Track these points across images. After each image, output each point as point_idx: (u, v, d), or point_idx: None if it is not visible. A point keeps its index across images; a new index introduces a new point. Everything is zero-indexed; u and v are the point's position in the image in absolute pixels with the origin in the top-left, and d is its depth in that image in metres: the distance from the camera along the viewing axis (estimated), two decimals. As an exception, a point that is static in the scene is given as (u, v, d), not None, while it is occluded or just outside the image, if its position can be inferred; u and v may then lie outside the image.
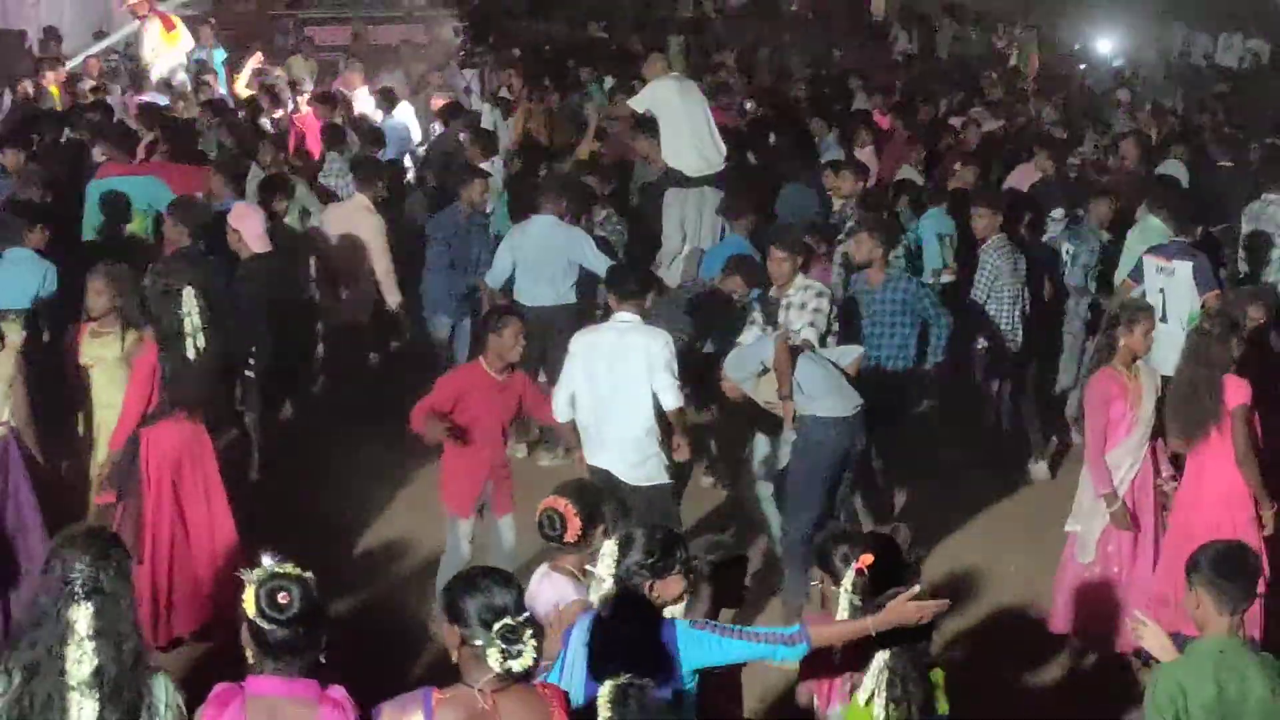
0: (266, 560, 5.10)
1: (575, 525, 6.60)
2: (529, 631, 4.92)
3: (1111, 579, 9.19)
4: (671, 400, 9.36)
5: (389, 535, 10.89)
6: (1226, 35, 31.27)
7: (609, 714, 4.95)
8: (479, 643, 4.92)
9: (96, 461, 9.38)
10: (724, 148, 14.13)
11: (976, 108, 20.31)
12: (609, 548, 6.12)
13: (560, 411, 9.56)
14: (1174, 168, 15.19)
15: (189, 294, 8.82)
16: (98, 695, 5.11)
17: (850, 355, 10.14)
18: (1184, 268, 11.47)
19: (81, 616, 5.16)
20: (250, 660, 5.04)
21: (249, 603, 4.98)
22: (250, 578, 5.02)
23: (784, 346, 9.71)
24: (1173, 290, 11.36)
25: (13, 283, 10.84)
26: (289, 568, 5.09)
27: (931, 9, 33.24)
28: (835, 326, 10.54)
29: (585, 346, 9.54)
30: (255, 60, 19.91)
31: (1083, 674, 9.31)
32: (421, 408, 9.24)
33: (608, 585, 6.04)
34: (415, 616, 9.56)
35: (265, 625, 4.95)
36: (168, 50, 20.58)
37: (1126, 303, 9.90)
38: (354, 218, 12.71)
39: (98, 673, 5.13)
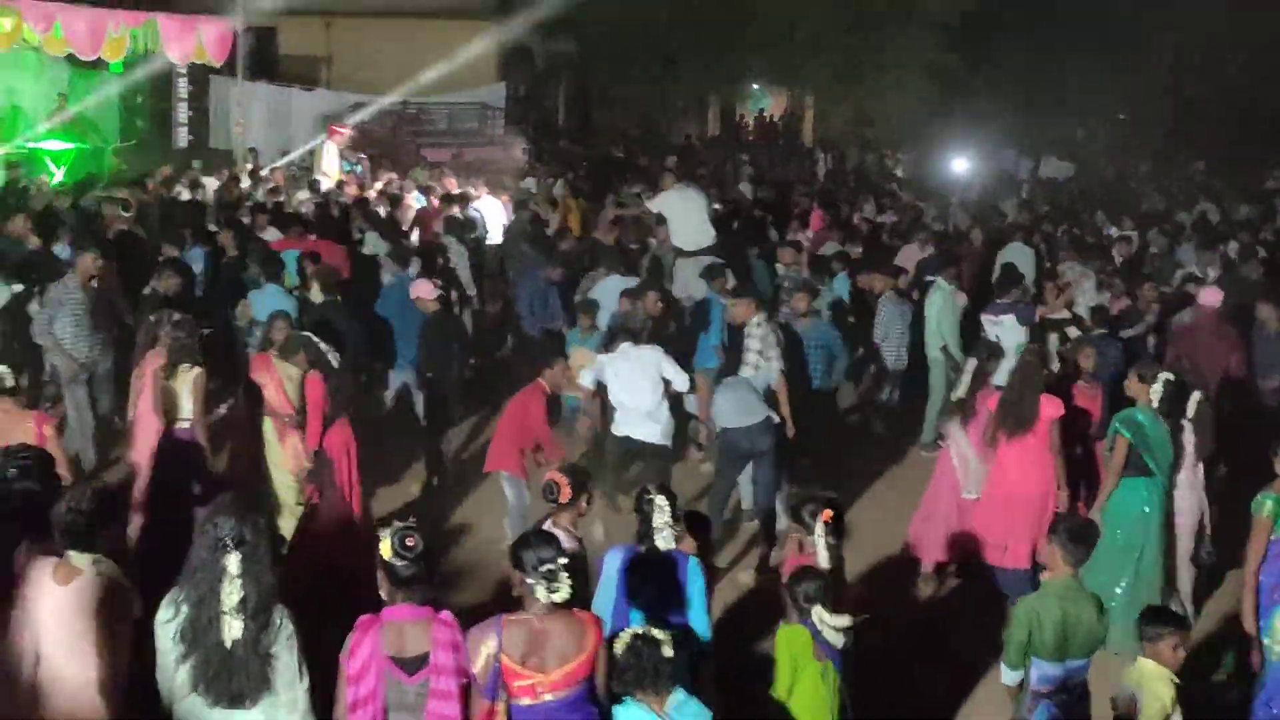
0: (397, 522, 4.99)
1: (567, 492, 6.32)
2: (565, 574, 4.92)
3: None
4: (681, 383, 9.77)
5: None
6: (1044, 159, 31.37)
7: (622, 658, 4.91)
8: (530, 581, 4.94)
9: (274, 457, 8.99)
10: (712, 231, 14.22)
11: (871, 204, 20.35)
12: (662, 501, 5.99)
13: (588, 382, 9.95)
14: (1017, 250, 15.08)
15: (309, 336, 8.80)
16: (242, 617, 4.88)
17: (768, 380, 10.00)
18: (1009, 318, 11.55)
19: (231, 561, 4.89)
20: (384, 595, 4.91)
21: (385, 549, 4.85)
22: (384, 533, 4.91)
23: (703, 384, 9.85)
24: (1004, 333, 11.26)
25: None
26: (410, 521, 5.00)
27: (842, 138, 33.46)
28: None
29: (612, 361, 9.82)
30: (389, 177, 19.90)
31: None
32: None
33: (669, 528, 5.95)
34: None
35: (397, 563, 4.84)
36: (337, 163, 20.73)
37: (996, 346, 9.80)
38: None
39: (243, 601, 4.89)
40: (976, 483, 8.97)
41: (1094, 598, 6.14)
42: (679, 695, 4.92)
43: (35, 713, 5.00)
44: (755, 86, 41.57)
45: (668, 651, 4.85)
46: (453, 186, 19.11)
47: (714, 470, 9.83)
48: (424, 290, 11.00)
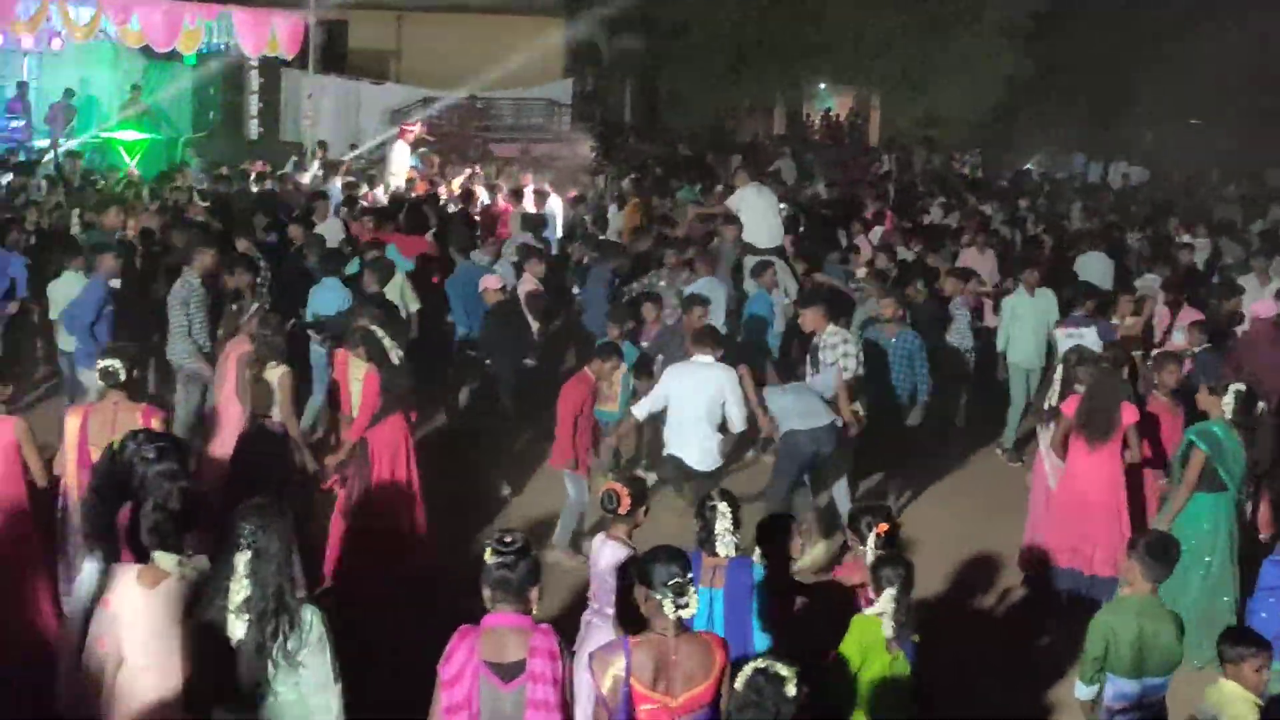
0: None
1: (626, 502, 6.21)
2: (692, 588, 4.78)
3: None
4: (739, 423, 9.15)
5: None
6: (1113, 163, 30.88)
7: (742, 693, 4.50)
8: (659, 597, 4.77)
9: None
10: (782, 231, 14.28)
11: (938, 208, 20.10)
12: (724, 508, 5.88)
13: (640, 413, 9.40)
14: (1097, 259, 14.73)
15: (377, 330, 8.64)
16: (247, 618, 4.86)
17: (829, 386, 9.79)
18: (1090, 332, 11.34)
19: (240, 561, 4.90)
20: (486, 603, 4.77)
21: (488, 555, 4.76)
22: (487, 542, 4.81)
23: (749, 381, 9.50)
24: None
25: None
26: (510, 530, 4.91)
27: (907, 139, 33.18)
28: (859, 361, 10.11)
29: (675, 374, 9.34)
30: (467, 172, 19.92)
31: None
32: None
33: (730, 532, 5.85)
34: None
35: (496, 560, 4.73)
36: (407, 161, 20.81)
37: (1085, 353, 9.56)
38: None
39: (246, 602, 4.87)
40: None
41: (1174, 616, 5.99)
42: None
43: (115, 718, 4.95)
44: (821, 87, 41.32)
45: (791, 690, 4.42)
46: (527, 183, 19.11)
47: (772, 471, 9.63)
48: (491, 282, 11.05)
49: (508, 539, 4.79)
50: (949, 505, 10.72)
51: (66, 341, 10.50)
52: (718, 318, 11.16)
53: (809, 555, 8.94)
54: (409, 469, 8.61)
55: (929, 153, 32.28)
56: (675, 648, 4.79)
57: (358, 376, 8.70)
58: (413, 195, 17.66)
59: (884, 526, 6.09)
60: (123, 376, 7.16)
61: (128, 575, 5.01)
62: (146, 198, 15.83)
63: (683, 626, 4.83)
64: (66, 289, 10.59)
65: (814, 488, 9.55)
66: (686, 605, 4.77)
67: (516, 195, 17.20)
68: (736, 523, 5.89)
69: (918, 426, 10.58)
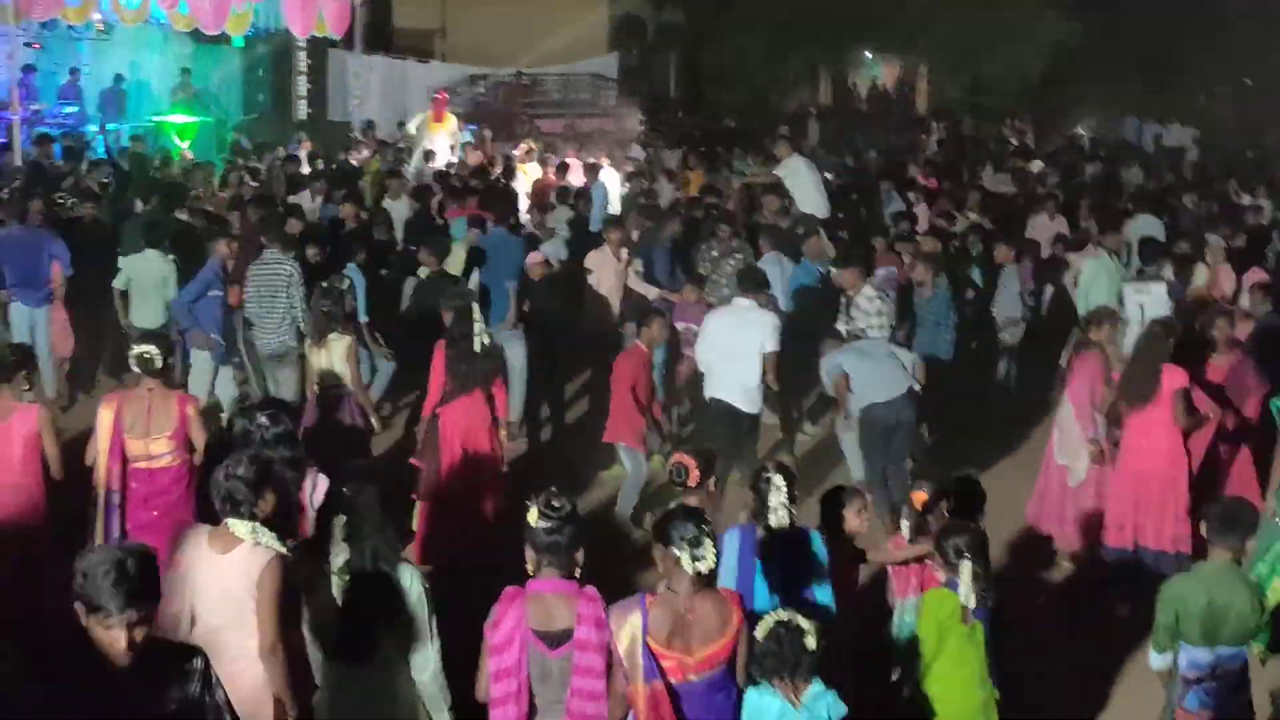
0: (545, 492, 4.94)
1: (695, 474, 6.22)
2: (708, 542, 4.76)
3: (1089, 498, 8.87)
4: (772, 349, 9.30)
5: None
6: (1167, 126, 30.33)
7: (763, 643, 4.78)
8: (676, 552, 4.75)
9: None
10: (826, 203, 14.37)
11: (998, 175, 19.80)
12: (779, 481, 5.82)
13: (702, 361, 9.59)
14: (1149, 222, 14.47)
15: (475, 307, 8.65)
16: (346, 579, 5.03)
17: (910, 358, 9.73)
18: (1159, 288, 11.18)
19: (338, 525, 5.08)
20: (530, 568, 4.81)
21: (532, 516, 4.77)
22: (531, 501, 4.82)
23: (841, 381, 9.41)
24: (1150, 304, 10.98)
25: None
26: (557, 491, 4.91)
27: (957, 108, 32.81)
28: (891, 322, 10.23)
29: (717, 316, 9.57)
30: (524, 146, 19.86)
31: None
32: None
33: (782, 501, 5.79)
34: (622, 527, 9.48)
35: (543, 525, 4.73)
36: (435, 133, 20.75)
37: (1098, 308, 9.56)
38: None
39: (345, 565, 5.03)
40: (1070, 452, 8.73)
41: (1250, 584, 5.85)
42: (816, 687, 4.78)
43: None
44: (868, 56, 40.90)
45: (811, 643, 4.71)
46: (570, 157, 19.05)
47: (858, 448, 9.56)
48: (533, 258, 11.12)
49: (555, 503, 4.77)
50: (1000, 475, 10.53)
51: (140, 317, 10.63)
52: (778, 295, 11.16)
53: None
54: (488, 452, 8.49)
55: (977, 120, 31.89)
56: (692, 605, 4.77)
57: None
58: (465, 170, 17.65)
59: (920, 496, 6.07)
60: (159, 364, 7.05)
61: (198, 538, 5.07)
62: (215, 183, 15.96)
63: (702, 583, 4.80)
64: (146, 266, 10.75)
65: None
66: (703, 558, 4.72)
67: (562, 170, 17.17)
68: (792, 496, 5.84)
69: (959, 392, 10.54)
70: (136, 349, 7.04)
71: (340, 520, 5.07)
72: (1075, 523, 8.88)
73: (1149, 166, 22.35)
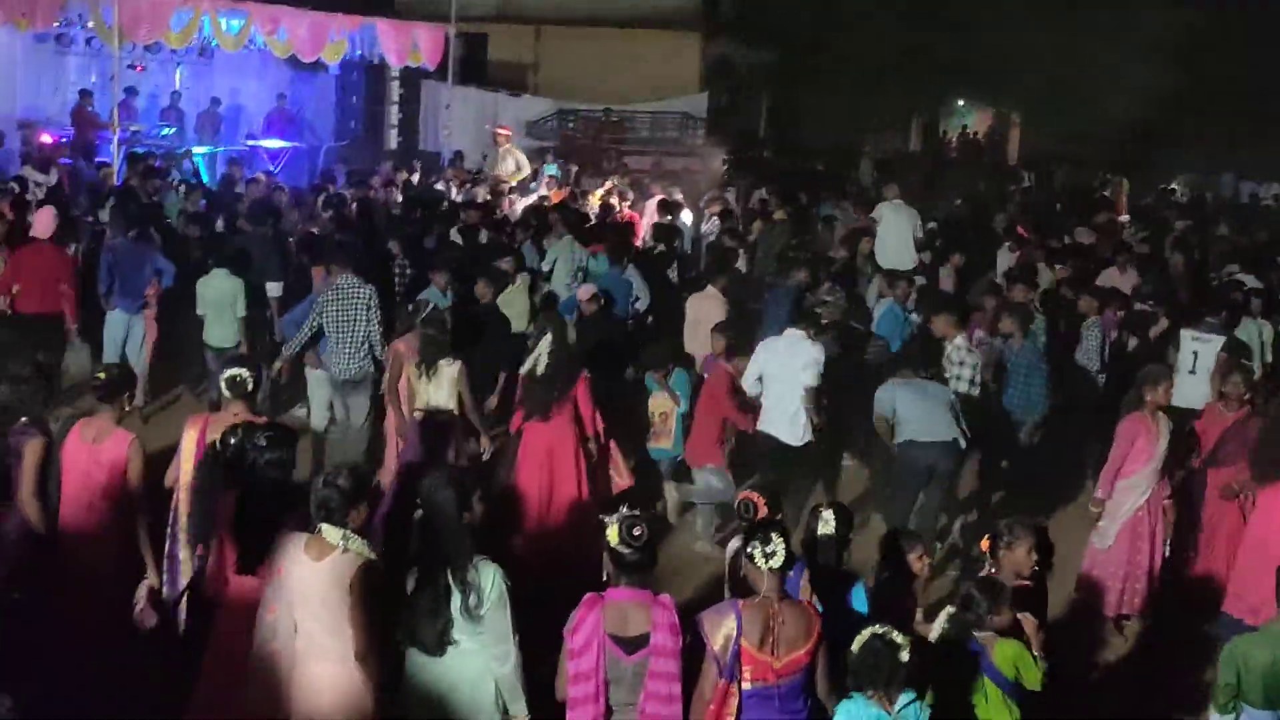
0: (623, 508, 5.27)
1: (764, 510, 6.33)
2: (777, 539, 5.15)
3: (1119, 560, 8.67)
4: (811, 382, 9.24)
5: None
6: (1266, 184, 29.72)
7: (859, 655, 5.08)
8: (752, 553, 5.18)
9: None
10: (914, 254, 14.16)
11: (1080, 228, 19.46)
12: (829, 515, 6.05)
13: (750, 387, 9.55)
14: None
15: (547, 339, 8.76)
16: (416, 576, 5.28)
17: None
18: (1217, 340, 10.89)
19: (416, 520, 5.35)
20: (607, 578, 5.18)
21: (612, 535, 5.12)
22: (611, 519, 5.16)
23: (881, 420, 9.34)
24: (1204, 353, 10.75)
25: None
26: (636, 511, 5.25)
27: (1049, 157, 32.46)
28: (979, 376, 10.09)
29: (767, 348, 9.51)
30: (608, 184, 19.94)
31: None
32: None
33: (831, 535, 6.02)
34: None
35: (624, 550, 5.09)
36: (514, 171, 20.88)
37: (1150, 368, 9.33)
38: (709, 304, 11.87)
39: (416, 557, 5.31)
40: (1109, 513, 8.58)
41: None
42: (907, 696, 5.07)
43: (296, 683, 5.20)
44: (960, 103, 40.71)
45: (904, 655, 5.01)
46: (656, 193, 19.06)
47: (891, 486, 9.50)
48: (583, 293, 11.26)
49: (636, 530, 5.11)
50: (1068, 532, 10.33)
51: (215, 336, 10.91)
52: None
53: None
54: (576, 465, 8.64)
55: (1070, 170, 31.52)
56: (779, 612, 5.14)
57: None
58: (547, 203, 17.74)
59: (986, 543, 6.16)
60: (250, 387, 7.02)
61: (296, 545, 5.23)
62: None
63: (784, 593, 5.23)
64: (220, 286, 10.99)
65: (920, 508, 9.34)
66: (774, 553, 5.14)
67: (665, 208, 17.16)
68: (841, 536, 6.04)
69: (1033, 446, 10.35)
70: (228, 371, 7.03)
71: (419, 517, 5.32)
72: (1128, 581, 8.67)
73: (1243, 222, 21.86)
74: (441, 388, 8.52)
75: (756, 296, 13.06)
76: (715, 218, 17.26)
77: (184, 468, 6.90)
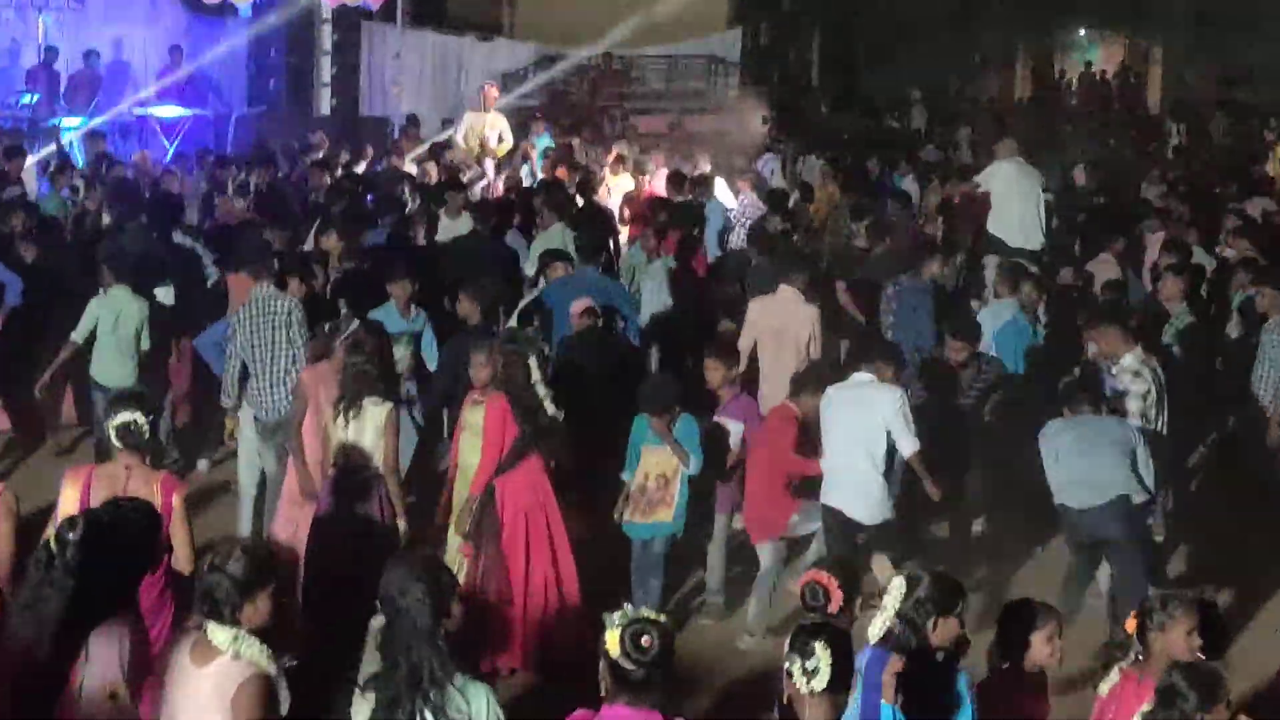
0: (627, 605, 5.19)
1: (838, 597, 6.29)
2: (822, 649, 5.16)
3: None
4: (908, 447, 9.28)
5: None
6: None
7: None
8: (791, 669, 5.21)
9: (455, 517, 9.13)
10: (1042, 232, 14.27)
11: (1254, 198, 19.53)
12: (897, 583, 6.09)
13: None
14: None
15: (533, 362, 8.84)
16: (373, 698, 5.19)
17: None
18: None
19: (375, 626, 5.30)
20: (604, 693, 5.10)
21: (611, 643, 5.04)
22: (613, 621, 5.08)
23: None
24: None
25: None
26: (647, 612, 5.17)
27: (1203, 103, 32.44)
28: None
29: (826, 401, 9.46)
30: (615, 151, 20.06)
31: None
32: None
33: (889, 616, 6.02)
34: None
35: (627, 665, 5.02)
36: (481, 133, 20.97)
37: None
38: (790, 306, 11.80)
39: (375, 679, 5.22)
40: None
41: None
42: None
43: None
44: (1081, 33, 40.75)
45: None
46: (660, 164, 19.26)
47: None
48: (577, 305, 11.24)
49: (644, 639, 5.03)
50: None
51: (108, 373, 11.03)
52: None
53: None
54: (552, 533, 8.88)
55: (1230, 121, 31.56)
56: None
57: (474, 420, 9.08)
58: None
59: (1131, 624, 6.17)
60: (146, 435, 7.16)
61: (182, 647, 5.28)
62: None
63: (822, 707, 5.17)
64: (115, 308, 11.13)
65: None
66: (817, 670, 5.15)
67: (676, 181, 17.35)
68: (919, 611, 6.03)
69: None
70: (118, 416, 7.14)
71: (377, 623, 5.28)
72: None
73: None
74: (365, 435, 8.54)
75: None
76: (745, 193, 17.47)
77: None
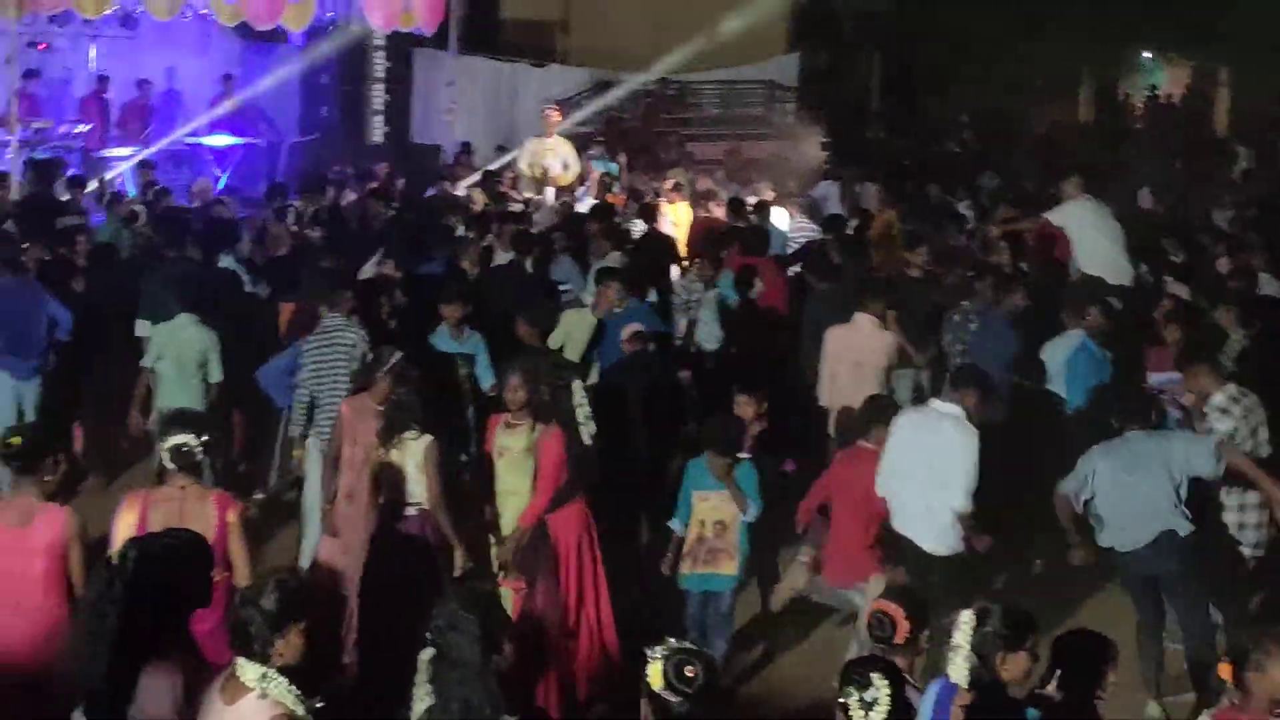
0: (670, 640, 5.18)
1: (905, 627, 6.38)
2: (880, 680, 5.31)
3: None
4: (960, 498, 8.98)
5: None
6: None
7: None
8: (848, 703, 5.34)
9: (500, 544, 9.04)
10: (1128, 264, 14.31)
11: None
12: (967, 616, 6.03)
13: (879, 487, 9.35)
14: None
15: (577, 386, 8.86)
16: None
17: None
18: None
19: (424, 659, 5.31)
20: None
21: (654, 676, 5.06)
22: (655, 653, 5.11)
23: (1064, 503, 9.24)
24: None
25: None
26: (691, 644, 5.22)
27: (1273, 126, 32.08)
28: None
29: (904, 425, 9.32)
30: (671, 179, 19.86)
31: None
32: None
33: (964, 653, 5.97)
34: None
35: (671, 698, 5.03)
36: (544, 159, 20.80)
37: None
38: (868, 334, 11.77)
39: (428, 712, 5.24)
40: None
41: None
42: None
43: None
44: (1146, 56, 40.48)
45: None
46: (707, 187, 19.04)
47: None
48: (629, 329, 11.28)
49: (688, 670, 5.05)
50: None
51: (175, 404, 10.82)
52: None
53: None
54: (596, 571, 8.98)
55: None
56: None
57: (514, 444, 8.99)
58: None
59: (1225, 669, 6.05)
60: (199, 457, 7.32)
61: (219, 679, 5.27)
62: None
63: None
64: (185, 338, 11.11)
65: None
66: (875, 703, 5.29)
67: (736, 208, 17.21)
68: (989, 644, 6.00)
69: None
70: (172, 438, 7.31)
71: (427, 655, 5.30)
72: None
73: None
74: (406, 467, 8.57)
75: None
76: (796, 217, 17.45)
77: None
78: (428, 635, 5.36)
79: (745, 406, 9.96)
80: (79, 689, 5.36)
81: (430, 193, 19.61)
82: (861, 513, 9.31)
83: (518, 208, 18.06)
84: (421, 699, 5.30)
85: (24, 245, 13.00)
